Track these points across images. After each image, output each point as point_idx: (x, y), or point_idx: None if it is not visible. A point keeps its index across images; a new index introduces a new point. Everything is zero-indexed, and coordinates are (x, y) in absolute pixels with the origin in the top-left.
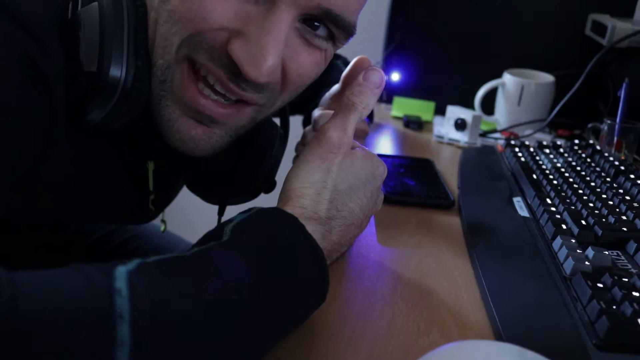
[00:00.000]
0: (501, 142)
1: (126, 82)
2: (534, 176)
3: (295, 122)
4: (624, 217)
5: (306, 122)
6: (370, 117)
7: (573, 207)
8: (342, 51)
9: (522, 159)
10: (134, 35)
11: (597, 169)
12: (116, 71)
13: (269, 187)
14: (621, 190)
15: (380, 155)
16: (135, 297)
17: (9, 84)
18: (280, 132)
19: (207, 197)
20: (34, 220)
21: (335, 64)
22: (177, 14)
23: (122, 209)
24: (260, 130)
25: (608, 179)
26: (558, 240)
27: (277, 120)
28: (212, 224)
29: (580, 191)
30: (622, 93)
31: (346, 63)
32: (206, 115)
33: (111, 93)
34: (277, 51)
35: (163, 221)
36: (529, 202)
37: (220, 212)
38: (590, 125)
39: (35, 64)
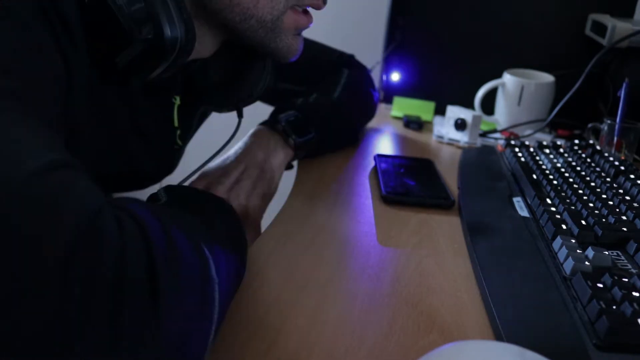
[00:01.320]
0: (501, 142)
1: (181, 39)
2: (534, 176)
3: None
4: (624, 217)
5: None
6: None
7: (573, 207)
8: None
9: (522, 159)
10: None
11: (597, 169)
12: (174, 32)
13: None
14: (621, 190)
15: (380, 156)
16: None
17: (30, 27)
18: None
19: (221, 108)
20: None
21: (341, 72)
22: None
23: (152, 149)
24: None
25: (608, 179)
26: (558, 240)
27: None
28: None
29: (580, 191)
30: (622, 93)
31: (351, 71)
32: (307, 26)
33: (170, 53)
34: None
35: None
36: (529, 202)
37: (240, 115)
38: (590, 125)
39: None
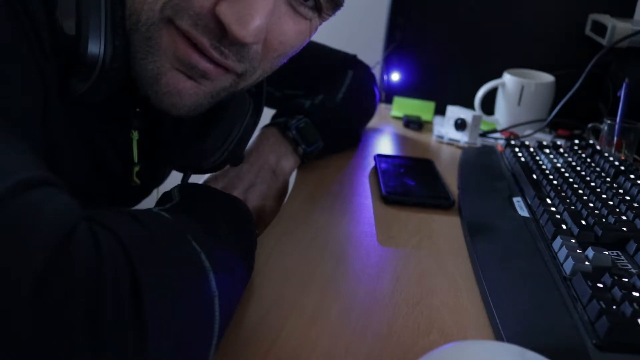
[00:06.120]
0: (501, 142)
1: (104, 61)
2: (534, 176)
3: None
4: (624, 217)
5: (280, 114)
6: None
7: (573, 207)
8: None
9: (522, 159)
10: (111, 9)
11: (597, 169)
12: (94, 48)
13: (236, 160)
14: (621, 190)
15: (380, 156)
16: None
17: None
18: (252, 107)
19: (176, 166)
20: None
21: (345, 74)
22: None
23: (107, 182)
24: (232, 102)
25: (608, 179)
26: (558, 240)
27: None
28: None
29: (580, 191)
30: (622, 93)
31: (355, 71)
32: (199, 69)
33: (90, 71)
34: (266, 12)
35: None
36: (529, 202)
37: (185, 179)
38: (590, 125)
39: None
